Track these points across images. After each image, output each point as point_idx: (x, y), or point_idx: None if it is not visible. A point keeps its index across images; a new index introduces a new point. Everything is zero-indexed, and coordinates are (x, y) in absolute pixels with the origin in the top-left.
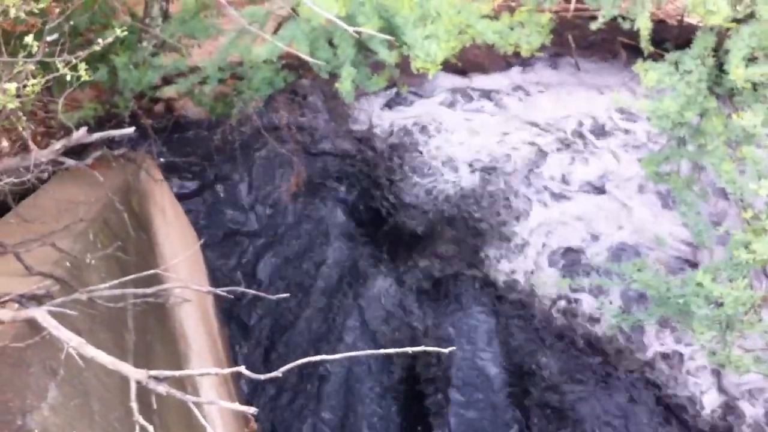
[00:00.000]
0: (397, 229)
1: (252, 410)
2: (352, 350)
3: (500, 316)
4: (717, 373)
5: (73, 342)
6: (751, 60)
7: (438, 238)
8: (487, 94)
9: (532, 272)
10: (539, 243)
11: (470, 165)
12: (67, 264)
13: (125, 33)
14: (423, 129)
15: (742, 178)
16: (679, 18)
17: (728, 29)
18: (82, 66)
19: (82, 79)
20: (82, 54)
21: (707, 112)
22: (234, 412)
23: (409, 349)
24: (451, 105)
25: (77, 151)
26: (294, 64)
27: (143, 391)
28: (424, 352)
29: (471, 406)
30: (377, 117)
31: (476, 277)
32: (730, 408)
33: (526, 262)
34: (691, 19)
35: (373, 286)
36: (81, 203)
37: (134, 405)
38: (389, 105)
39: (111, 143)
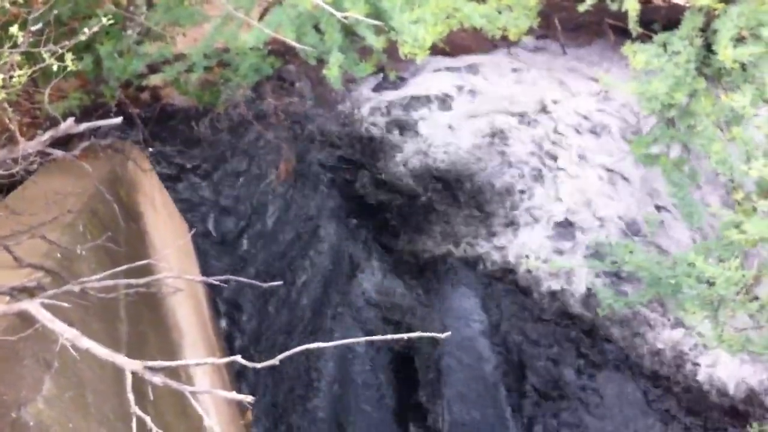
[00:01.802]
0: (388, 211)
1: (249, 398)
2: (346, 337)
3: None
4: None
5: (67, 334)
6: (740, 40)
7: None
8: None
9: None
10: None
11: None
12: (58, 255)
13: (110, 21)
14: (411, 113)
15: (732, 158)
16: None
17: (716, 9)
18: (69, 56)
19: (69, 68)
20: (68, 44)
21: (696, 93)
22: (229, 401)
23: (405, 335)
24: (440, 89)
25: (64, 142)
26: (281, 51)
27: (138, 382)
28: (419, 337)
29: (465, 391)
30: (365, 102)
31: (466, 259)
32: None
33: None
34: (679, 0)
35: (365, 270)
36: (69, 194)
37: (131, 396)
38: (377, 90)
39: (98, 133)
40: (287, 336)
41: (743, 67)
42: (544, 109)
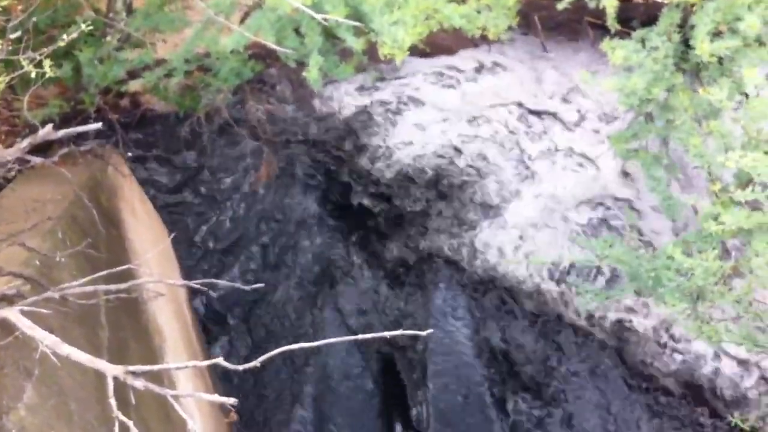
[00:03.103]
0: (370, 213)
1: (231, 401)
2: (329, 338)
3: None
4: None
5: (47, 341)
6: (716, 35)
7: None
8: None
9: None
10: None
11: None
12: (37, 263)
13: (89, 28)
14: (391, 113)
15: (709, 151)
16: None
17: (693, 5)
18: (47, 62)
19: (47, 75)
20: (46, 50)
21: (674, 87)
22: (212, 404)
23: (387, 333)
24: (420, 89)
25: (43, 149)
26: (261, 54)
27: (120, 387)
28: (402, 337)
29: (448, 390)
30: (348, 103)
31: (450, 258)
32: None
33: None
34: None
35: (349, 272)
36: (48, 201)
37: (113, 401)
38: (359, 91)
39: (77, 139)
40: (271, 339)
41: (720, 61)
42: (521, 105)
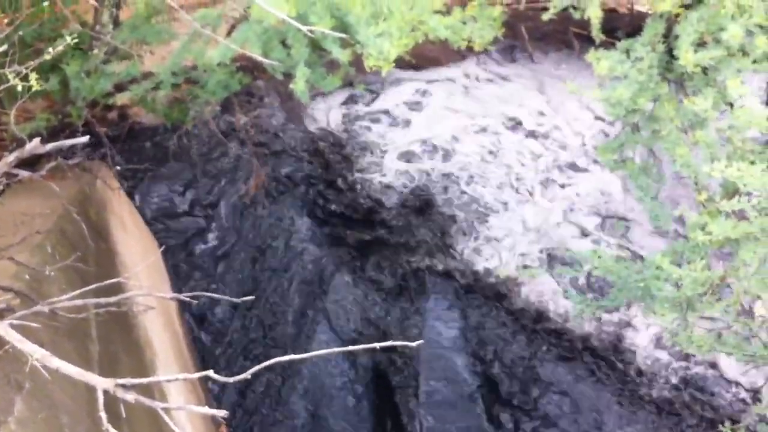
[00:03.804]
0: (362, 223)
1: (222, 413)
2: (321, 350)
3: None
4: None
5: (37, 354)
6: (700, 44)
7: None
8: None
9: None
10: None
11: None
12: (27, 277)
13: (75, 41)
14: (379, 126)
15: (696, 161)
16: (629, 6)
17: (677, 15)
18: (34, 76)
19: (33, 89)
20: (32, 64)
21: (660, 97)
22: (204, 417)
23: (377, 345)
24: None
25: (31, 163)
26: (249, 66)
27: (111, 401)
28: (393, 348)
29: (441, 400)
30: (334, 115)
31: (439, 269)
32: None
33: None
34: (641, 7)
35: (339, 284)
36: (37, 215)
37: (103, 415)
38: (346, 103)
39: (66, 153)
40: (263, 352)
41: (705, 71)
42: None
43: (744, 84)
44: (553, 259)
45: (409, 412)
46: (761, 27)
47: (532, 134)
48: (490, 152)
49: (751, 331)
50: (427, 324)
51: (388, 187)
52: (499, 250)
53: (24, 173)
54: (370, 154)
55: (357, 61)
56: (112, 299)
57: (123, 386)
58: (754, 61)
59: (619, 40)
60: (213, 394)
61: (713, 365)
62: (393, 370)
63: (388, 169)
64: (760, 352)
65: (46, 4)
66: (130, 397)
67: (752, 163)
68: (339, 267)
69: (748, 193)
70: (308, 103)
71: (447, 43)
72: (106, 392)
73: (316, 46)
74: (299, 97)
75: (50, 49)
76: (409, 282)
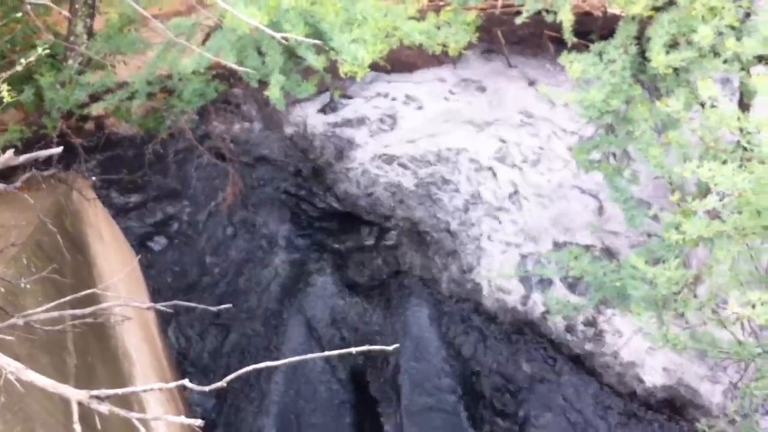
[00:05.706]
0: (338, 230)
1: (198, 422)
2: (300, 353)
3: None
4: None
5: (11, 367)
6: (672, 46)
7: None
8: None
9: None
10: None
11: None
12: (1, 289)
13: (47, 51)
14: (356, 129)
15: (669, 161)
16: (603, 9)
17: (649, 17)
18: (5, 87)
19: (5, 101)
20: (4, 75)
21: (633, 99)
22: (183, 427)
23: (353, 350)
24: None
25: (5, 175)
26: (225, 74)
27: (88, 413)
28: (372, 353)
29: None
30: (312, 121)
31: (417, 273)
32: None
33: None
34: (614, 10)
35: (317, 289)
36: (12, 227)
37: (77, 427)
38: (323, 110)
39: (41, 164)
40: (240, 358)
41: (676, 72)
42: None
43: (716, 84)
44: (531, 262)
45: (390, 414)
46: (732, 28)
47: (507, 141)
48: (471, 159)
49: (726, 328)
50: (408, 328)
51: (365, 192)
52: (478, 255)
53: None
54: (348, 159)
55: (333, 68)
56: (88, 310)
57: (97, 398)
58: (725, 62)
59: (593, 42)
60: (194, 406)
61: None
62: (372, 373)
63: (365, 175)
64: (734, 349)
65: (18, 15)
66: (105, 408)
67: (724, 162)
68: (318, 272)
69: (722, 193)
70: (285, 110)
71: (423, 49)
72: (80, 404)
73: (291, 53)
74: (274, 104)
75: (22, 60)
76: (389, 286)
